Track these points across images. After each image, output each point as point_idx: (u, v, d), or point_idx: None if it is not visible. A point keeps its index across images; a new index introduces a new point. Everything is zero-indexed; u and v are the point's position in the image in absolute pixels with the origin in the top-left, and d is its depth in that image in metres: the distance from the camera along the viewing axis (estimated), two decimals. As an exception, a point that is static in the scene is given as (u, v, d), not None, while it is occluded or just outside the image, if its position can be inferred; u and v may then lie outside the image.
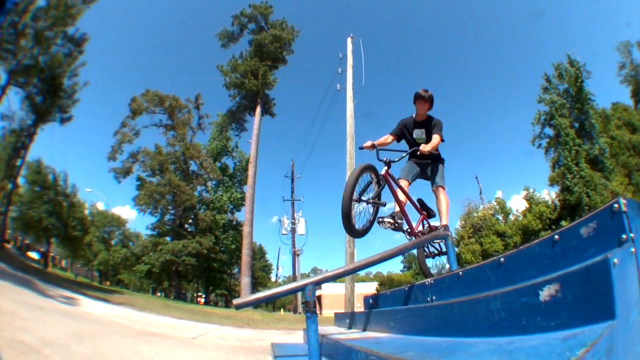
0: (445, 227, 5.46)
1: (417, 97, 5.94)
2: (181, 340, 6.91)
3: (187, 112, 50.84)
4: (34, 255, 64.65)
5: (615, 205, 1.70)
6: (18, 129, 34.06)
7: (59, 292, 12.19)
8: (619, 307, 1.23)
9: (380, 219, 5.20)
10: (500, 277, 2.51)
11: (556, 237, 2.12)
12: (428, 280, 3.69)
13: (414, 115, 6.18)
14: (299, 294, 32.15)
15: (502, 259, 2.57)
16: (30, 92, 32.66)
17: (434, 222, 5.72)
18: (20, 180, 38.47)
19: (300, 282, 3.36)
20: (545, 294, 1.48)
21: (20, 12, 30.03)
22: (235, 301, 3.51)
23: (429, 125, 6.11)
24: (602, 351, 1.10)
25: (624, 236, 1.64)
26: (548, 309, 1.46)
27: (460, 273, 3.08)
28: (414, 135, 6.09)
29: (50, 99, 32.73)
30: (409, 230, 5.49)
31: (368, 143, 5.66)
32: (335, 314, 6.16)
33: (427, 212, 5.90)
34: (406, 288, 4.26)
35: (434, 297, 3.48)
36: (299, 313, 26.53)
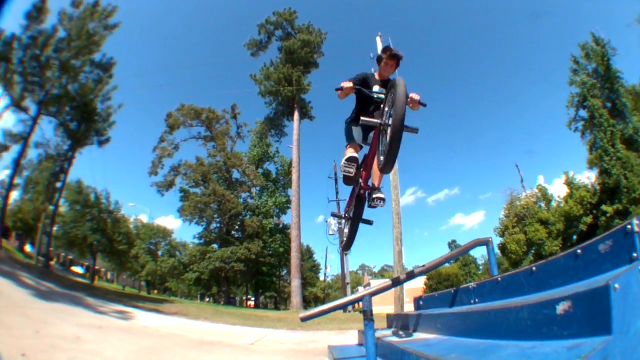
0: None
1: (393, 56, 5.31)
2: (240, 347, 7.10)
3: (225, 123, 51.66)
4: (77, 269, 67.03)
5: (629, 227, 1.98)
6: (55, 155, 35.31)
7: (112, 307, 12.61)
8: (616, 324, 1.50)
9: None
10: (532, 284, 2.82)
11: (579, 251, 2.46)
12: (471, 284, 4.04)
13: (375, 73, 5.61)
14: (349, 290, 32.50)
15: (534, 268, 2.90)
16: (64, 119, 33.83)
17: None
18: (61, 202, 39.83)
19: (358, 294, 3.82)
20: (560, 308, 1.76)
21: (41, 46, 31.04)
22: (301, 315, 3.92)
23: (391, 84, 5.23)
24: (596, 360, 1.38)
25: (635, 254, 1.90)
26: (562, 321, 1.73)
27: (499, 279, 3.41)
28: (374, 89, 5.42)
29: (85, 124, 33.86)
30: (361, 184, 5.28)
31: (349, 84, 5.09)
32: (388, 315, 6.40)
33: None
34: (452, 290, 4.61)
35: (476, 300, 3.81)
36: (349, 311, 26.74)
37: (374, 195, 5.06)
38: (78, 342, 4.60)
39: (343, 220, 6.06)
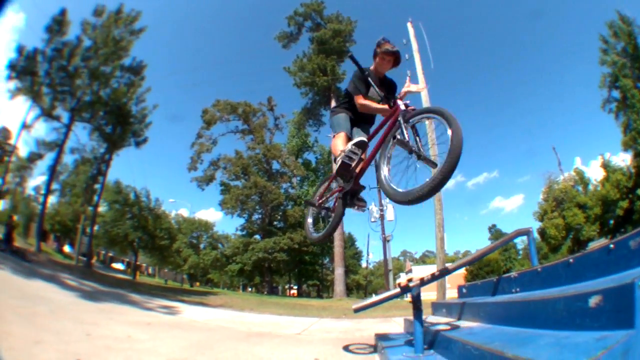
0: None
1: (391, 53, 4.92)
2: (288, 337, 7.18)
3: (262, 115, 52.08)
4: (118, 266, 68.81)
5: (658, 226, 2.16)
6: (92, 158, 36.38)
7: (158, 303, 12.86)
8: (638, 319, 1.64)
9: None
10: (569, 276, 3.00)
11: (611, 246, 2.64)
12: (513, 274, 4.26)
13: (371, 67, 5.13)
14: (391, 277, 32.61)
15: (571, 260, 3.09)
16: (98, 124, 34.78)
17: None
18: (101, 203, 40.83)
19: (404, 286, 4.01)
20: (592, 301, 1.93)
21: (67, 57, 31.88)
22: (354, 306, 4.20)
23: (387, 84, 5.26)
24: (618, 353, 1.56)
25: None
26: (594, 314, 1.91)
27: (539, 269, 3.60)
28: (371, 94, 5.05)
29: (120, 127, 34.68)
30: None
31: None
32: (433, 303, 6.54)
33: None
34: (495, 280, 4.80)
35: (517, 289, 4.00)
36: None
37: (359, 196, 5.03)
38: (131, 342, 4.71)
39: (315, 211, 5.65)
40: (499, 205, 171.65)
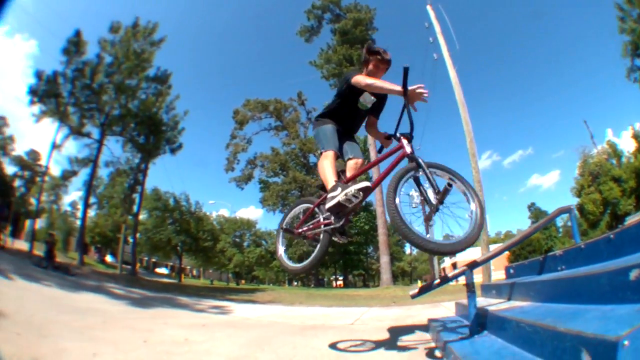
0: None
1: (386, 62, 4.85)
2: (342, 328, 7.28)
3: (293, 111, 52.38)
4: (162, 270, 70.03)
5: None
6: (127, 169, 37.42)
7: (208, 303, 13.07)
8: None
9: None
10: (610, 251, 3.16)
11: None
12: (558, 252, 4.41)
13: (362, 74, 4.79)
14: (435, 261, 32.58)
15: (612, 236, 3.26)
16: (131, 135, 35.71)
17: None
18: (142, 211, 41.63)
19: (460, 269, 4.15)
20: (633, 274, 2.09)
21: (90, 75, 32.74)
22: (411, 293, 4.37)
23: (379, 94, 4.96)
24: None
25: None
26: (634, 286, 2.07)
27: (582, 246, 3.76)
28: (362, 100, 4.88)
29: (153, 136, 35.44)
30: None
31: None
32: (482, 285, 6.59)
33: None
34: (540, 259, 4.90)
35: (563, 267, 4.15)
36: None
37: (345, 229, 4.70)
38: (189, 344, 4.78)
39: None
40: (536, 183, 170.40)
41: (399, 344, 5.05)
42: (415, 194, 4.06)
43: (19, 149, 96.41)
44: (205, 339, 5.15)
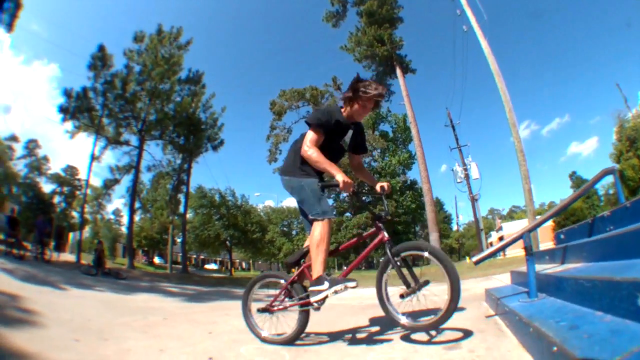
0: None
1: (379, 97, 4.37)
2: (401, 304, 7.41)
3: (330, 96, 52.31)
4: (211, 266, 71.34)
5: None
6: (170, 171, 38.02)
7: (264, 293, 12.88)
8: None
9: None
10: (654, 209, 3.33)
11: None
12: (606, 213, 4.60)
13: (342, 110, 4.54)
14: (482, 236, 32.35)
15: (653, 195, 3.44)
16: (170, 138, 36.50)
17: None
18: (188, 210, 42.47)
19: (519, 232, 4.15)
20: None
21: (120, 86, 33.46)
22: (474, 259, 4.54)
23: (359, 129, 4.90)
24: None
25: None
26: None
27: (628, 205, 3.99)
28: (346, 138, 4.67)
29: (193, 136, 36.02)
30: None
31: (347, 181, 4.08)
32: (535, 252, 6.79)
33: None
34: (589, 221, 5.08)
35: (611, 227, 4.31)
36: (476, 264, 26.91)
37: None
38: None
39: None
40: (575, 151, 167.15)
41: (459, 314, 5.17)
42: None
43: (55, 167, 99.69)
44: (270, 325, 4.85)
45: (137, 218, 45.81)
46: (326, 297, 3.89)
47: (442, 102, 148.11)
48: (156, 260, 70.59)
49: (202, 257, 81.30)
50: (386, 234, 4.04)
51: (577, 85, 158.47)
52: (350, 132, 4.61)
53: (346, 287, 3.83)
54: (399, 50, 43.11)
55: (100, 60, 33.73)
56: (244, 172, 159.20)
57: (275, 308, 4.48)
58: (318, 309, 4.10)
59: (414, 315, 3.91)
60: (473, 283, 10.61)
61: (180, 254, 49.66)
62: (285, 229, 65.36)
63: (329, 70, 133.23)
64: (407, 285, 3.83)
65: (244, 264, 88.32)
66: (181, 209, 40.59)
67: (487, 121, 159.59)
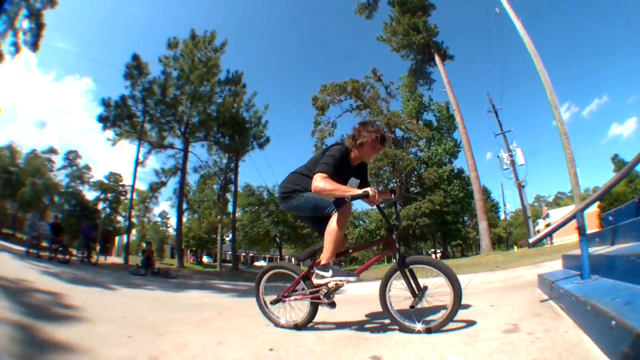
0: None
1: (383, 141, 4.62)
2: None
3: (371, 88, 52.31)
4: (260, 263, 72.45)
5: None
6: (217, 171, 38.87)
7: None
8: None
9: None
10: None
11: None
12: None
13: (351, 152, 4.69)
14: (530, 224, 31.92)
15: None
16: (215, 138, 37.31)
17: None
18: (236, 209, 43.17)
19: (572, 211, 4.20)
20: None
21: (160, 91, 34.45)
22: (531, 240, 4.65)
23: (363, 170, 5.05)
24: None
25: None
26: None
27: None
28: (348, 183, 4.69)
29: (238, 135, 36.57)
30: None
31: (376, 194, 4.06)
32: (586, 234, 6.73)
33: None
34: (637, 200, 5.08)
35: (658, 204, 4.25)
36: (531, 247, 26.54)
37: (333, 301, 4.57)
38: (313, 322, 4.81)
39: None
40: (616, 132, 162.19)
41: (513, 300, 5.21)
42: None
43: (98, 175, 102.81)
44: (326, 316, 5.20)
45: (184, 219, 46.63)
46: (326, 284, 4.31)
47: (482, 88, 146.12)
48: (205, 259, 72.04)
49: (251, 254, 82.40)
50: (397, 245, 4.29)
51: (612, 62, 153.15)
52: (353, 180, 4.81)
53: (347, 281, 4.30)
54: (435, 37, 42.84)
55: (135, 68, 34.79)
56: (291, 169, 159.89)
57: (287, 300, 4.79)
58: (331, 304, 4.50)
59: (420, 318, 4.07)
60: (524, 271, 10.62)
61: (230, 252, 50.38)
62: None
63: (368, 62, 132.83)
64: (414, 294, 4.08)
65: (293, 260, 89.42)
66: (229, 207, 41.13)
67: (528, 105, 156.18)
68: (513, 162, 35.78)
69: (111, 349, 3.50)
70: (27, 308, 4.95)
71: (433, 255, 66.06)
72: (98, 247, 31.67)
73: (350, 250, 5.24)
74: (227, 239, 56.15)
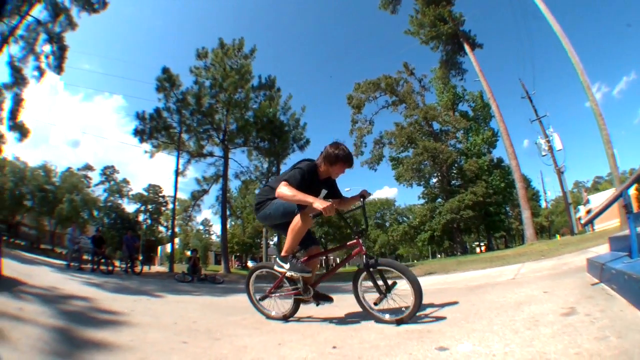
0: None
1: (351, 161, 5.06)
2: (506, 283, 7.42)
3: (405, 83, 52.30)
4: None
5: None
6: (259, 175, 39.65)
7: (367, 285, 13.52)
8: None
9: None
10: None
11: None
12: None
13: (320, 168, 5.09)
14: (572, 211, 31.39)
15: None
16: (254, 143, 37.84)
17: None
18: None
19: (619, 190, 4.43)
20: None
21: (194, 101, 35.08)
22: (583, 221, 4.94)
23: (332, 186, 5.43)
24: None
25: None
26: None
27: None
28: (320, 196, 5.12)
29: (277, 139, 36.75)
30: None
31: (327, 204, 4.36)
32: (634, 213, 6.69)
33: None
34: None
35: None
36: (575, 234, 26.19)
37: (319, 294, 5.26)
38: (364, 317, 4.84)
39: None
40: None
41: (565, 285, 5.30)
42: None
43: (137, 187, 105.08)
44: None
45: (228, 225, 47.23)
46: (284, 274, 5.03)
47: (512, 74, 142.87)
48: (249, 264, 72.67)
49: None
50: (364, 248, 4.77)
51: (636, 35, 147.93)
52: (323, 191, 5.26)
53: (301, 277, 4.97)
54: (462, 27, 42.77)
55: (167, 81, 35.51)
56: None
57: (273, 296, 5.49)
58: (316, 300, 5.19)
59: (389, 311, 4.63)
60: (570, 257, 10.69)
61: (274, 256, 50.96)
62: (378, 221, 65.63)
63: (399, 57, 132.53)
64: (380, 292, 4.61)
65: (338, 260, 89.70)
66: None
67: (558, 88, 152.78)
68: (551, 148, 35.12)
69: (165, 355, 3.50)
70: (71, 316, 5.08)
71: (477, 249, 65.55)
72: (141, 257, 32.17)
73: (324, 251, 5.93)
74: (271, 242, 56.61)
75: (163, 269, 42.88)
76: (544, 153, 36.01)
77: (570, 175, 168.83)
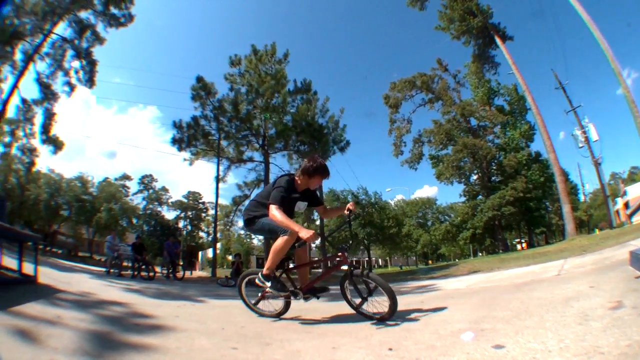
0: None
1: (327, 172, 5.52)
2: (551, 279, 7.37)
3: (439, 79, 52.22)
4: (344, 267, 74.24)
5: None
6: (304, 179, 39.05)
7: (411, 285, 12.89)
8: None
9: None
10: None
11: None
12: None
13: (298, 181, 5.56)
14: (610, 204, 30.77)
15: None
16: (295, 147, 37.84)
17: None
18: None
19: None
20: None
21: (232, 108, 35.24)
22: (628, 212, 5.11)
23: (311, 195, 5.84)
24: None
25: None
26: None
27: None
28: (296, 208, 5.68)
29: (317, 142, 36.58)
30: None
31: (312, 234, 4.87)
32: None
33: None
34: None
35: None
36: (614, 227, 25.78)
37: (315, 289, 5.67)
38: (424, 319, 4.93)
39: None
40: None
41: (609, 279, 5.34)
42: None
43: (176, 195, 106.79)
44: (435, 308, 5.43)
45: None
46: (266, 290, 5.65)
47: (544, 65, 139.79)
48: (290, 265, 73.21)
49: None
50: (348, 260, 5.26)
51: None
52: (300, 204, 5.72)
53: (280, 296, 5.61)
54: (490, 19, 42.62)
55: (202, 89, 35.93)
56: (372, 170, 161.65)
57: (266, 299, 6.08)
58: (305, 297, 5.62)
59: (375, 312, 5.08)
60: (611, 251, 10.72)
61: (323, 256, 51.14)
62: (420, 220, 65.32)
63: (431, 54, 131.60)
64: (361, 297, 5.18)
65: (380, 261, 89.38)
66: (314, 214, 41.77)
67: (590, 77, 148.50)
68: (587, 139, 34.47)
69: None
70: (112, 321, 5.09)
71: (518, 246, 64.58)
72: (182, 262, 32.63)
73: (310, 262, 6.37)
74: (313, 245, 56.83)
75: (205, 274, 43.66)
76: (580, 145, 35.28)
77: (606, 166, 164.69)
